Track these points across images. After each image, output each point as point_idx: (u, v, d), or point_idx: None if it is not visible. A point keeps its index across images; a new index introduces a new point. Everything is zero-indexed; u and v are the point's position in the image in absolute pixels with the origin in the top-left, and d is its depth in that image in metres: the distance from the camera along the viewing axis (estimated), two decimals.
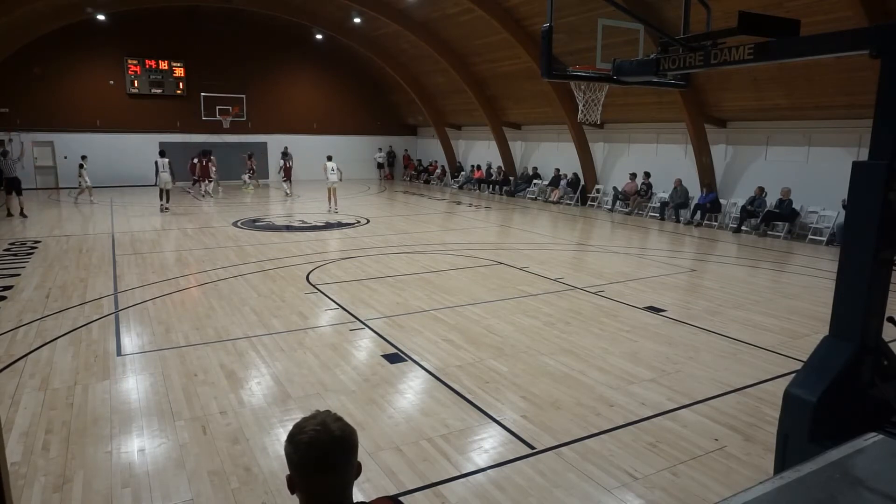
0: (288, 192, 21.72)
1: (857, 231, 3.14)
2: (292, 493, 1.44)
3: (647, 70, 4.45)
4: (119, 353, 5.82)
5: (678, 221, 15.87)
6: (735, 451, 4.06)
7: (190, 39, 23.99)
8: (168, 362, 5.58)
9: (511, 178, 22.64)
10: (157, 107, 24.07)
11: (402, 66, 24.96)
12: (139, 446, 4.06)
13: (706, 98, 14.90)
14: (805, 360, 3.35)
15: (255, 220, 15.06)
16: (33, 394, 4.86)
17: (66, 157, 22.28)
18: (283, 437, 1.47)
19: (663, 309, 7.49)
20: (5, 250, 10.97)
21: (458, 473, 3.76)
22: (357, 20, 21.78)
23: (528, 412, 4.61)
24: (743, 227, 14.22)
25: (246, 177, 23.58)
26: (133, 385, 5.08)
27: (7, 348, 5.91)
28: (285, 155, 22.38)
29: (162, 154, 17.07)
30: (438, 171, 27.32)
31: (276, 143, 25.70)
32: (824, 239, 12.82)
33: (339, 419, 1.46)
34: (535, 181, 21.43)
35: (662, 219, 16.21)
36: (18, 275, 9.00)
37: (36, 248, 11.21)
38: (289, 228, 14.14)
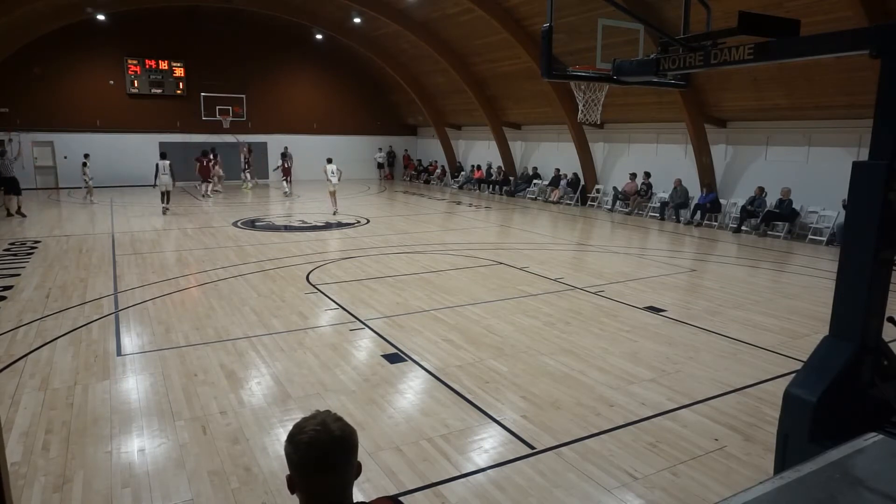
0: (287, 191, 21.78)
1: (857, 231, 3.14)
2: (292, 493, 1.44)
3: (647, 70, 4.46)
4: (119, 353, 5.82)
5: (678, 221, 15.87)
6: (735, 451, 4.06)
7: (190, 39, 23.99)
8: (168, 362, 5.58)
9: (511, 178, 22.64)
10: (157, 107, 24.07)
11: (402, 66, 24.96)
12: (139, 446, 4.06)
13: (706, 98, 14.90)
14: (805, 360, 3.35)
15: (255, 220, 15.06)
16: (33, 394, 4.86)
17: (66, 157, 22.29)
18: (283, 437, 1.47)
19: (663, 309, 7.49)
20: (5, 250, 10.97)
21: (458, 473, 3.77)
22: (357, 20, 21.78)
23: (528, 412, 4.61)
24: (743, 227, 14.22)
25: (247, 174, 23.49)
26: (133, 385, 5.08)
27: (7, 348, 5.91)
28: (284, 155, 22.42)
29: (163, 156, 16.93)
30: (438, 171, 27.33)
31: (276, 143, 25.70)
32: (824, 239, 12.82)
33: (339, 419, 1.46)
34: (535, 181, 21.43)
35: (662, 219, 16.22)
36: (18, 275, 9.00)
37: (36, 248, 11.21)
38: (289, 228, 14.15)
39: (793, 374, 3.53)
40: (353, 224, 14.72)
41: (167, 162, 16.53)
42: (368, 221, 15.18)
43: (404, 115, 29.42)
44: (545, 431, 4.30)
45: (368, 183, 26.86)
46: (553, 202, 19.83)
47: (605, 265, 10.24)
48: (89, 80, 22.90)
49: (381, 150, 28.91)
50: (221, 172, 22.07)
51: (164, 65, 23.95)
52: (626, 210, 17.42)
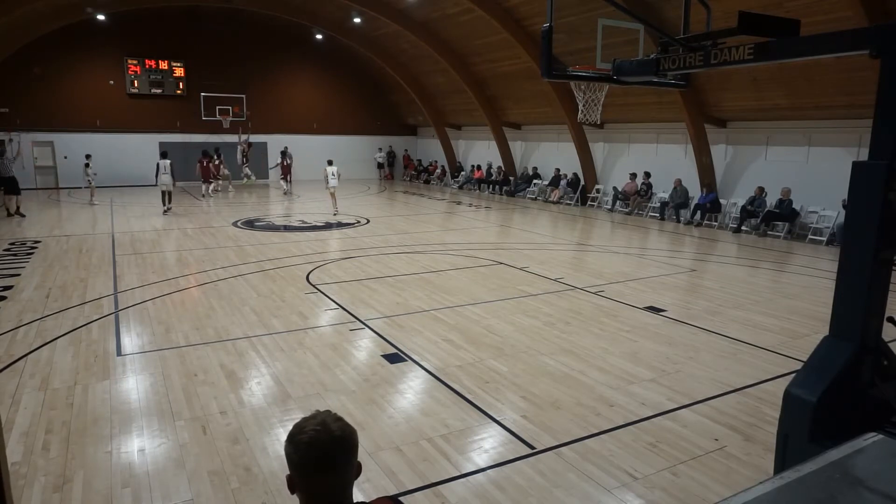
0: (287, 190, 21.81)
1: (857, 231, 3.14)
2: (292, 493, 1.44)
3: (647, 70, 4.45)
4: (119, 353, 5.82)
5: (678, 221, 15.87)
6: (735, 451, 4.06)
7: (190, 39, 23.99)
8: (168, 362, 5.58)
9: (511, 178, 22.64)
10: (157, 107, 24.08)
11: (402, 66, 24.97)
12: (139, 446, 4.06)
13: (706, 98, 14.90)
14: (805, 360, 3.35)
15: (254, 220, 15.06)
16: (33, 394, 4.86)
17: (66, 157, 22.30)
18: (283, 437, 1.47)
19: (663, 309, 7.49)
20: (5, 250, 10.97)
21: (458, 473, 3.77)
22: (357, 20, 21.79)
23: (528, 412, 4.61)
24: (743, 227, 14.22)
25: (246, 168, 23.47)
26: (133, 385, 5.08)
27: (7, 348, 5.91)
28: (284, 153, 22.43)
29: (164, 155, 16.85)
30: (438, 171, 27.33)
31: (276, 143, 25.69)
32: (824, 239, 12.82)
33: (339, 419, 1.46)
34: (535, 181, 21.43)
35: (662, 219, 16.22)
36: (18, 275, 9.00)
37: (36, 248, 11.21)
38: (289, 228, 14.15)
39: (793, 374, 3.53)
40: (353, 224, 14.72)
41: (168, 161, 16.46)
42: (368, 221, 15.19)
43: (404, 115, 29.42)
44: (545, 431, 4.30)
45: (368, 183, 26.86)
46: (553, 202, 19.83)
47: (605, 265, 10.24)
48: (89, 80, 22.90)
49: (381, 150, 28.91)
50: (227, 172, 22.24)
51: (164, 65, 23.95)
52: (626, 210, 17.42)
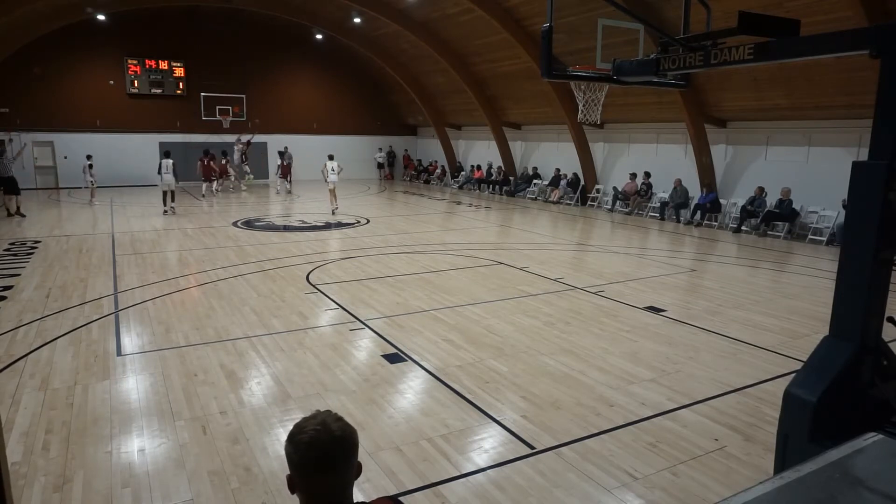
0: (287, 189, 21.87)
1: (857, 231, 3.14)
2: (292, 492, 1.44)
3: (647, 70, 4.45)
4: (119, 353, 5.82)
5: (678, 221, 15.88)
6: (735, 451, 4.06)
7: (190, 39, 23.99)
8: (168, 362, 5.58)
9: (511, 178, 22.64)
10: (157, 107, 24.07)
11: (402, 66, 24.97)
12: (139, 446, 4.06)
13: (706, 98, 14.91)
14: (805, 360, 3.35)
15: (254, 220, 15.06)
16: (33, 394, 4.86)
17: (66, 157, 22.30)
18: (283, 437, 1.47)
19: (663, 309, 7.49)
20: (5, 250, 10.97)
21: (458, 473, 3.77)
22: (357, 20, 21.79)
23: (528, 412, 4.61)
24: (743, 227, 14.23)
25: (246, 167, 23.55)
26: (133, 385, 5.08)
27: (7, 348, 5.91)
28: (283, 154, 22.49)
29: (166, 155, 16.69)
30: (438, 171, 27.33)
31: (276, 142, 25.70)
32: (824, 239, 12.82)
33: (339, 419, 1.46)
34: (535, 181, 21.44)
35: (662, 219, 16.22)
36: (18, 275, 9.00)
37: (36, 248, 11.21)
38: (289, 228, 14.15)
39: (793, 374, 3.53)
40: (353, 224, 14.72)
41: (170, 161, 16.28)
42: (368, 221, 15.19)
43: (404, 115, 29.42)
44: (545, 431, 4.30)
45: (368, 183, 26.86)
46: (553, 202, 19.83)
47: (605, 265, 10.24)
48: (89, 80, 22.90)
49: (381, 150, 28.91)
50: (232, 172, 22.39)
51: (164, 65, 23.95)
52: (626, 210, 17.42)
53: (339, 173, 16.38)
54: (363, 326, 6.69)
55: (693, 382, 5.22)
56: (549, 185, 20.65)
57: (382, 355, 5.81)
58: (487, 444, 4.13)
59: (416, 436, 4.23)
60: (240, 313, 7.14)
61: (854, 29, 3.50)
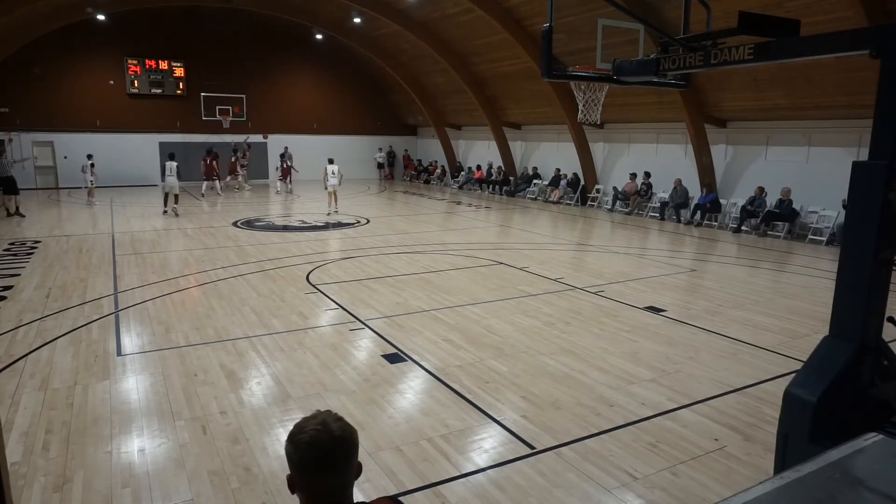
0: (286, 189, 21.89)
1: (857, 231, 3.14)
2: (292, 492, 1.44)
3: (647, 70, 4.45)
4: (119, 353, 5.82)
5: (678, 221, 15.87)
6: (735, 451, 4.06)
7: (190, 39, 23.99)
8: (168, 362, 5.58)
9: (511, 178, 22.64)
10: (157, 107, 24.07)
11: (402, 66, 24.97)
12: (139, 446, 4.06)
13: (706, 98, 14.90)
14: (805, 360, 3.35)
15: (254, 220, 15.06)
16: (33, 394, 4.86)
17: (66, 157, 22.30)
18: (283, 437, 1.47)
19: (663, 309, 7.49)
20: (5, 250, 10.97)
21: (458, 473, 3.77)
22: (357, 20, 21.79)
23: (528, 412, 4.61)
24: (743, 227, 14.23)
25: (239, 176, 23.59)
26: (133, 385, 5.08)
27: (7, 348, 5.91)
28: (283, 155, 22.51)
29: (171, 157, 16.45)
30: (438, 171, 27.33)
31: (276, 143, 25.71)
32: (824, 239, 12.82)
33: (339, 419, 1.46)
34: (535, 181, 21.43)
35: (662, 219, 16.22)
36: (18, 275, 9.00)
37: (36, 248, 11.21)
38: (289, 228, 14.15)
39: (793, 374, 3.53)
40: (353, 224, 14.72)
41: (174, 163, 16.00)
42: (368, 221, 15.19)
43: (404, 115, 29.42)
44: (545, 431, 4.30)
45: (368, 183, 26.86)
46: (553, 202, 19.83)
47: (605, 265, 10.24)
48: (89, 80, 22.90)
49: (381, 150, 28.91)
50: (240, 170, 22.69)
51: (164, 65, 23.94)
52: (626, 210, 17.42)
53: (339, 178, 16.26)
54: (363, 326, 6.69)
55: (693, 382, 5.22)
56: (549, 185, 20.65)
57: (382, 355, 5.81)
58: (487, 444, 4.13)
59: (416, 436, 4.23)
60: (240, 313, 7.14)
61: (854, 29, 3.50)
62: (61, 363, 5.53)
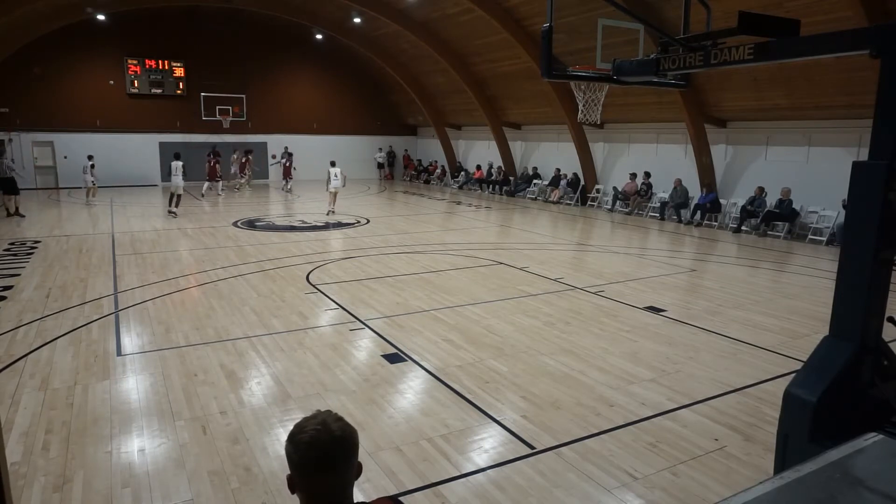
0: (288, 189, 21.92)
1: (857, 231, 3.14)
2: (293, 492, 1.44)
3: (647, 70, 4.45)
4: (119, 353, 5.82)
5: (678, 221, 15.87)
6: (735, 451, 4.06)
7: (190, 39, 23.98)
8: (168, 362, 5.58)
9: (511, 178, 22.64)
10: (157, 107, 24.07)
11: (402, 66, 24.96)
12: (139, 446, 4.06)
13: (706, 98, 14.90)
14: (805, 360, 3.35)
15: (255, 220, 15.06)
16: (33, 394, 4.86)
17: (66, 157, 22.29)
18: (283, 437, 1.47)
19: (663, 309, 7.49)
20: (5, 250, 10.97)
21: (458, 473, 3.77)
22: (357, 20, 21.79)
23: (528, 412, 4.61)
24: (743, 227, 14.23)
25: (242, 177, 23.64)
26: (133, 385, 5.08)
27: (7, 348, 5.91)
28: (283, 155, 22.57)
29: (177, 157, 16.39)
30: (438, 171, 27.33)
31: (276, 143, 25.72)
32: (824, 239, 12.82)
33: (339, 419, 1.46)
34: (535, 181, 21.44)
35: (662, 219, 16.22)
36: (18, 275, 9.00)
37: (36, 248, 11.21)
38: (288, 228, 14.14)
39: (793, 374, 3.53)
40: (353, 224, 14.72)
41: (180, 163, 15.96)
42: (368, 221, 15.19)
43: (404, 115, 29.42)
44: (545, 431, 4.30)
45: (368, 183, 26.86)
46: (553, 202, 19.83)
47: (605, 265, 10.24)
48: (89, 80, 22.90)
49: (381, 150, 28.91)
50: (248, 171, 22.88)
51: (164, 65, 23.94)
52: (626, 210, 17.42)
53: (343, 181, 16.24)
54: (363, 326, 6.69)
55: (693, 382, 5.22)
56: (549, 185, 20.65)
57: (382, 355, 5.81)
58: (487, 444, 4.13)
59: (416, 436, 4.23)
60: (240, 313, 7.14)
61: (854, 29, 3.50)
62: (61, 363, 5.53)
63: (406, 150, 30.09)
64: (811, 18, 10.17)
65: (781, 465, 3.12)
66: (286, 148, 23.52)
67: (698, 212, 15.38)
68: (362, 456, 1.62)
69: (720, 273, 9.86)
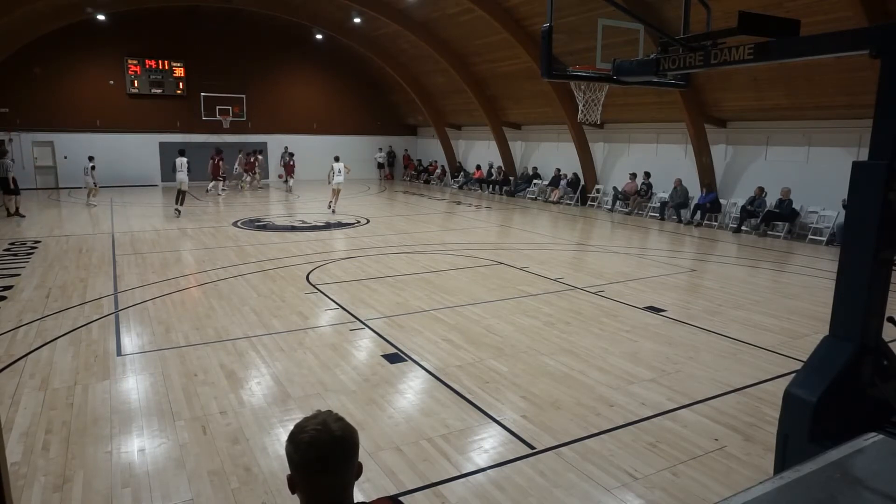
0: (287, 188, 21.99)
1: (857, 231, 3.14)
2: (293, 492, 1.44)
3: (647, 70, 4.45)
4: (119, 353, 5.82)
5: (678, 221, 15.87)
6: (735, 451, 4.06)
7: (190, 39, 23.98)
8: (168, 362, 5.58)
9: (511, 178, 22.64)
10: (157, 107, 24.07)
11: (402, 66, 24.96)
12: (139, 446, 4.06)
13: (706, 98, 14.90)
14: (805, 360, 3.35)
15: (255, 220, 15.06)
16: (33, 394, 4.86)
17: (66, 157, 22.29)
18: (283, 437, 1.47)
19: (663, 309, 7.49)
20: (5, 250, 10.97)
21: (458, 473, 3.77)
22: (357, 20, 21.78)
23: (528, 412, 4.61)
24: (743, 227, 14.22)
25: (247, 177, 23.70)
26: (133, 385, 5.08)
27: (7, 348, 5.91)
28: (283, 154, 22.62)
29: (181, 153, 16.45)
30: (438, 171, 27.33)
31: (276, 143, 25.72)
32: (824, 239, 12.82)
33: (339, 419, 1.46)
34: (535, 181, 21.44)
35: (662, 219, 16.22)
36: (18, 275, 9.00)
37: (36, 248, 11.21)
38: (288, 228, 14.14)
39: (793, 374, 3.53)
40: (353, 224, 14.72)
41: (184, 159, 16.06)
42: (368, 221, 15.19)
43: (404, 115, 29.42)
44: (545, 431, 4.30)
45: (368, 183, 26.86)
46: (553, 202, 19.83)
47: (605, 265, 10.24)
48: (89, 80, 22.89)
49: (381, 150, 28.91)
50: (258, 169, 23.10)
51: (164, 65, 23.94)
52: (626, 210, 17.42)
53: (345, 175, 16.35)
54: (363, 326, 6.69)
55: (693, 382, 5.22)
56: (549, 185, 20.65)
57: (382, 355, 5.81)
58: (487, 444, 4.13)
59: (416, 436, 4.23)
60: (240, 313, 7.14)
61: (854, 29, 3.50)
62: (61, 363, 5.53)
63: (406, 150, 30.09)
64: (811, 18, 10.17)
65: (781, 465, 3.12)
66: (286, 148, 23.53)
67: (698, 212, 15.38)
68: (362, 456, 1.62)
69: (720, 273, 9.86)
